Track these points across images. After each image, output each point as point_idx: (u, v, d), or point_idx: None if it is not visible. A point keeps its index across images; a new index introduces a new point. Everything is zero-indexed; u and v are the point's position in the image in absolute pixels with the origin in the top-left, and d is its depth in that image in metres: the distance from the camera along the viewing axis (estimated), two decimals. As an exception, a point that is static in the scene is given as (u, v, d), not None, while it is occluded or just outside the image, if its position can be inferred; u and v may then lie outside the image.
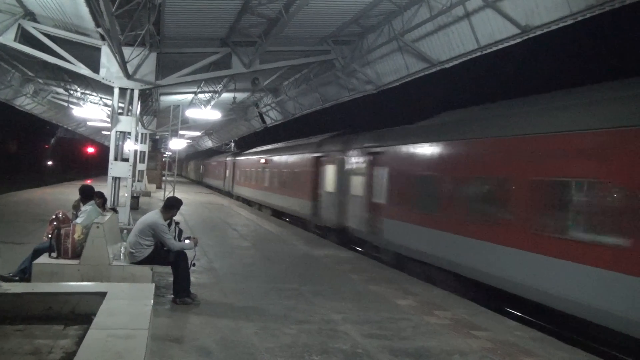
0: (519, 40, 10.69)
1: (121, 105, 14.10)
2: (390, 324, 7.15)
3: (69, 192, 25.08)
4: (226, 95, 22.64)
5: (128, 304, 3.81)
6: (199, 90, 23.02)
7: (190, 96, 24.85)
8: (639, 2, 8.37)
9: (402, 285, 9.86)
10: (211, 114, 24.76)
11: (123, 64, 12.52)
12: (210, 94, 23.45)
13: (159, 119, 31.86)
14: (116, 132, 13.41)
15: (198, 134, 46.03)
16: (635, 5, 8.58)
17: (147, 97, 23.25)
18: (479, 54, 11.84)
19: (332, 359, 5.63)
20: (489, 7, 10.57)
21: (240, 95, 23.88)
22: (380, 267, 11.78)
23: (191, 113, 25.16)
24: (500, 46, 11.21)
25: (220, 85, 21.28)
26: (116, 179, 13.54)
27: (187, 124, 31.17)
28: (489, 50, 11.55)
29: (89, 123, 34.49)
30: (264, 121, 29.92)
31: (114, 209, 10.04)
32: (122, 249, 7.62)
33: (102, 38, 12.86)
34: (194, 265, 7.71)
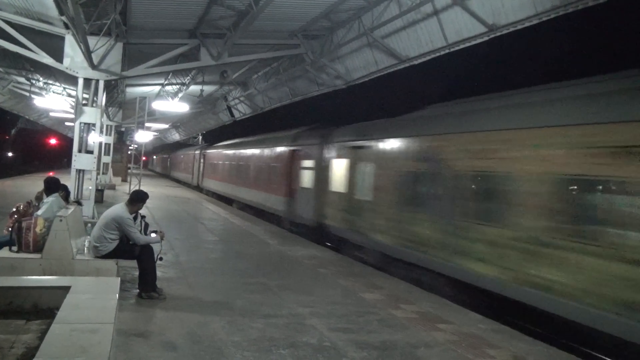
0: (486, 38, 10.89)
1: (86, 96, 13.78)
2: (357, 317, 7.22)
3: (30, 184, 24.42)
4: (194, 88, 22.36)
5: (93, 298, 3.76)
6: (166, 82, 22.68)
7: (157, 88, 24.47)
8: (601, 4, 8.61)
9: (369, 279, 9.95)
10: (178, 107, 24.42)
11: (88, 53, 12.23)
12: (177, 86, 23.14)
13: (124, 111, 31.27)
14: (80, 123, 13.11)
15: (165, 126, 45.38)
16: (598, 7, 8.84)
17: (113, 88, 22.79)
18: (447, 51, 12.01)
19: (300, 352, 5.66)
20: (457, 5, 10.72)
21: (208, 88, 23.62)
22: (347, 262, 11.85)
23: (158, 105, 24.77)
24: (467, 44, 11.39)
25: (188, 78, 21.01)
26: (80, 172, 13.25)
27: (154, 117, 30.69)
28: (456, 48, 11.73)
29: (51, 114, 33.62)
30: (232, 114, 29.68)
31: (78, 202, 9.83)
32: (86, 243, 7.47)
33: (66, 27, 12.53)
34: (160, 259, 7.62)
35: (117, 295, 3.90)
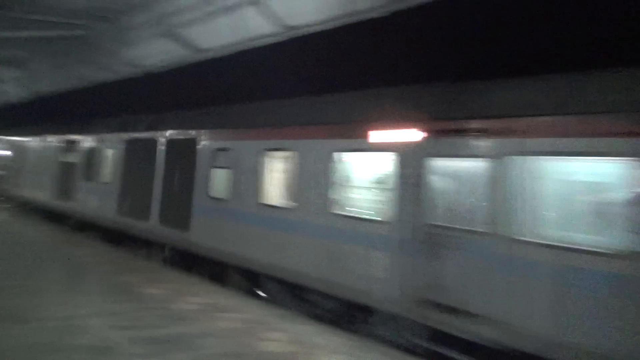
0: (279, 39, 11.23)
1: None
2: (140, 313, 6.98)
3: None
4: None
5: None
6: None
7: None
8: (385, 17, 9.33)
9: (150, 274, 9.59)
10: None
11: None
12: None
13: None
14: None
15: None
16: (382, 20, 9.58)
17: None
18: (245, 47, 12.10)
19: (76, 356, 5.23)
20: (254, 5, 10.86)
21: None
22: (129, 258, 11.22)
23: None
24: (263, 42, 11.62)
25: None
26: None
27: None
28: (252, 45, 11.89)
29: None
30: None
31: None
32: None
33: None
34: None
35: None
